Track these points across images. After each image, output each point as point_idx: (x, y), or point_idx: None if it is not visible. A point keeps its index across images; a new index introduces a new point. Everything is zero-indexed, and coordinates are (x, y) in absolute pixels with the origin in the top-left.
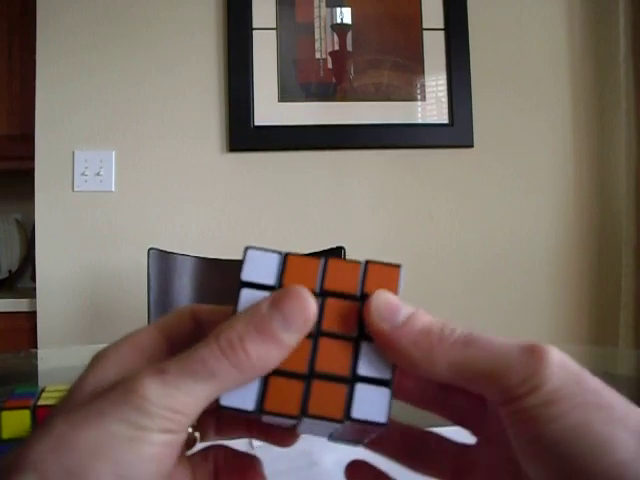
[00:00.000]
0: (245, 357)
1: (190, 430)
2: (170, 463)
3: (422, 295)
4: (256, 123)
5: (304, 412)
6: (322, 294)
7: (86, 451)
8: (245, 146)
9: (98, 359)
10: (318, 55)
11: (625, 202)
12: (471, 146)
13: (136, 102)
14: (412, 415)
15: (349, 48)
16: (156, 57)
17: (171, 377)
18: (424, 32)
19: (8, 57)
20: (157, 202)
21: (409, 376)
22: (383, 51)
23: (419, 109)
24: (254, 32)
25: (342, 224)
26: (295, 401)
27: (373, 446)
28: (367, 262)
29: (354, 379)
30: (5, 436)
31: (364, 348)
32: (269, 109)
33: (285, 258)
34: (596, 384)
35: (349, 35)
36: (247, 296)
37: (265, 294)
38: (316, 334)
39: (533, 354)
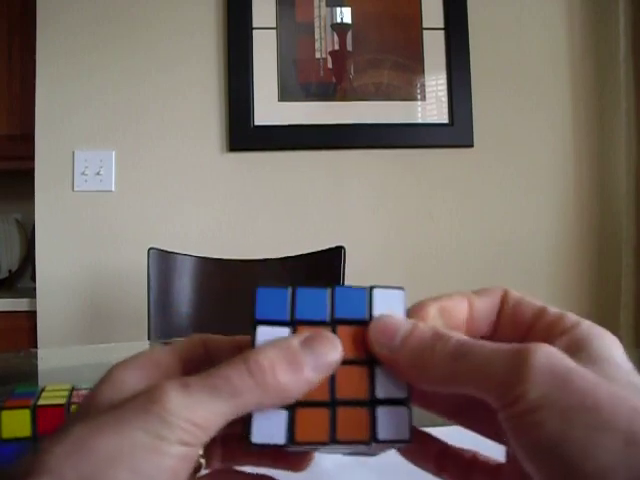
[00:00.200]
0: (273, 380)
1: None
2: (186, 473)
3: (422, 295)
4: (256, 123)
5: (333, 438)
6: (332, 322)
7: (104, 457)
8: (245, 146)
9: (115, 370)
10: (318, 55)
11: (625, 202)
12: (471, 146)
13: (136, 102)
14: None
15: (349, 48)
16: (156, 57)
17: (194, 391)
18: (424, 32)
19: (8, 57)
20: (157, 202)
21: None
22: (383, 51)
23: (419, 109)
24: (254, 32)
25: (342, 224)
26: (324, 429)
27: (411, 459)
28: (371, 288)
29: (374, 402)
30: (5, 436)
31: (378, 371)
32: (269, 109)
33: (294, 292)
34: (587, 383)
35: (349, 35)
36: (264, 332)
37: (282, 329)
38: None
39: (517, 361)
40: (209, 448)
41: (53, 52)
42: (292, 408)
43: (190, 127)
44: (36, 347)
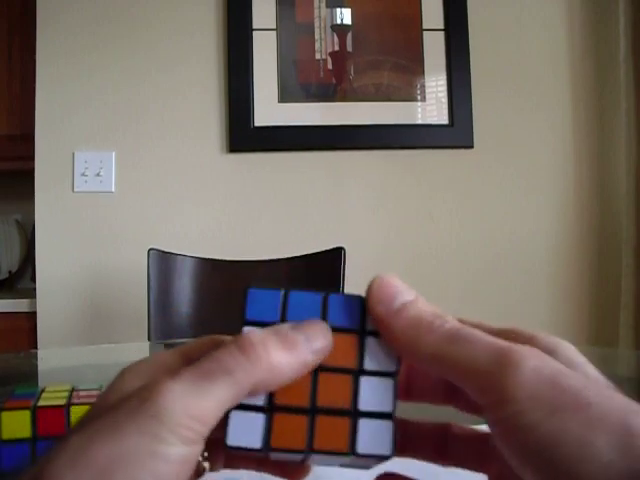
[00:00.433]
0: (265, 355)
1: (200, 459)
2: (187, 474)
3: (422, 295)
4: (256, 124)
5: (310, 447)
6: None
7: (103, 466)
8: (245, 147)
9: (121, 374)
10: (318, 56)
11: (625, 202)
12: (471, 146)
13: (136, 102)
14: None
15: (349, 48)
16: (156, 57)
17: (185, 380)
18: (424, 32)
19: (8, 57)
20: (157, 202)
21: (418, 375)
22: (383, 52)
23: (419, 109)
24: (254, 32)
25: (342, 224)
26: (301, 436)
27: (401, 452)
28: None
29: (356, 413)
30: (5, 437)
31: (363, 382)
32: (269, 110)
33: (286, 295)
34: (577, 382)
35: (349, 35)
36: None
37: None
38: (316, 370)
39: (504, 363)
40: (212, 452)
41: (53, 52)
42: (270, 413)
43: (190, 128)
44: (36, 348)
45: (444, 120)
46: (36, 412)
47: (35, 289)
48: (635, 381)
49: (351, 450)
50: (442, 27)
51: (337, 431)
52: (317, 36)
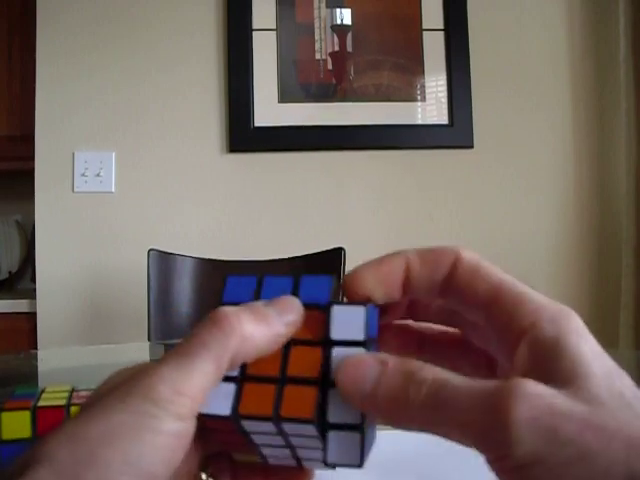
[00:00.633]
0: (239, 326)
1: (204, 477)
2: (180, 453)
3: None
4: (256, 124)
5: (277, 414)
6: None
7: (96, 440)
8: (245, 147)
9: (114, 372)
10: (318, 56)
11: (625, 202)
12: (471, 147)
13: (136, 102)
14: None
15: (349, 49)
16: (156, 57)
17: (169, 360)
18: (424, 33)
19: (8, 57)
20: (157, 202)
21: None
22: (383, 52)
23: (419, 110)
24: (254, 33)
25: (342, 225)
26: (269, 403)
27: (390, 350)
28: (332, 276)
29: (325, 382)
30: (5, 437)
31: (331, 392)
32: (269, 110)
33: (260, 280)
34: (574, 427)
35: (349, 36)
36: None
37: None
38: (287, 345)
39: (498, 414)
40: (218, 467)
41: (53, 52)
42: (241, 382)
43: (190, 128)
44: (36, 348)
45: (444, 120)
46: (36, 412)
47: (35, 289)
48: (635, 381)
49: (318, 418)
50: (442, 27)
51: (305, 399)
52: (317, 36)
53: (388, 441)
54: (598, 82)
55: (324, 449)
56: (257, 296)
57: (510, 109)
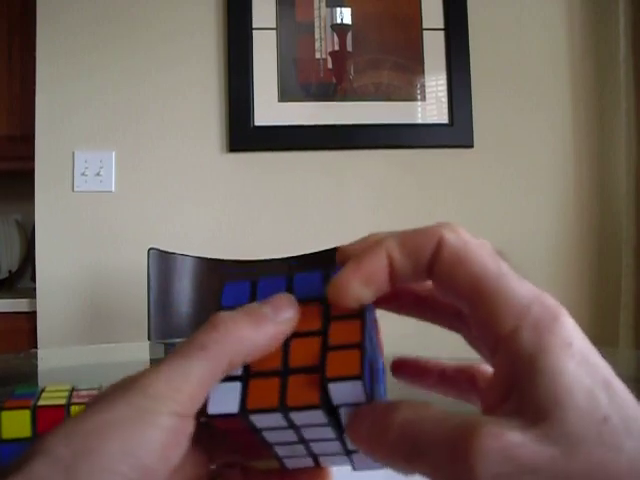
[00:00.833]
0: (235, 330)
1: None
2: (177, 450)
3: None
4: (256, 123)
5: (283, 404)
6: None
7: (92, 433)
8: (245, 146)
9: (123, 378)
10: (318, 55)
11: (625, 202)
12: (471, 146)
13: (136, 102)
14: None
15: (349, 48)
16: (156, 57)
17: (169, 361)
18: (424, 32)
19: (8, 57)
20: (157, 202)
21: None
22: (383, 51)
23: (419, 109)
24: (254, 32)
25: (342, 224)
26: (274, 395)
27: (387, 306)
28: (326, 271)
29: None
30: (5, 436)
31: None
32: (269, 109)
33: (255, 282)
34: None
35: (349, 35)
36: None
37: None
38: (287, 340)
39: (459, 456)
40: (229, 477)
41: (53, 52)
42: (246, 380)
43: (190, 127)
44: (36, 348)
45: (444, 120)
46: (36, 412)
47: (35, 289)
48: (635, 381)
49: (323, 402)
50: (442, 26)
51: (309, 387)
52: (317, 35)
53: None
54: (598, 82)
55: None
56: (253, 298)
57: (510, 109)
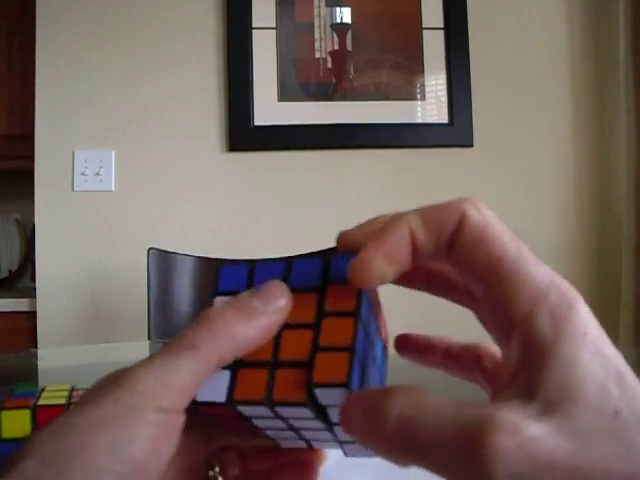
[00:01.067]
0: (224, 326)
1: (211, 473)
2: (168, 444)
3: (422, 296)
4: (256, 123)
5: (269, 398)
6: None
7: (81, 429)
8: (245, 146)
9: (110, 373)
10: (318, 54)
11: (625, 202)
12: (471, 146)
13: (136, 102)
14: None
15: (349, 47)
16: (156, 57)
17: (157, 358)
18: (424, 31)
19: (8, 57)
20: (157, 202)
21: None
22: (383, 51)
23: (419, 109)
24: (254, 31)
25: (342, 224)
26: (261, 388)
27: (403, 282)
28: (324, 258)
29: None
30: (5, 436)
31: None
32: (269, 109)
33: (253, 266)
34: (560, 476)
35: (349, 34)
36: (221, 301)
37: None
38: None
39: (471, 457)
40: (226, 461)
41: (53, 52)
42: (235, 370)
43: (190, 127)
44: (36, 347)
45: (444, 119)
46: (36, 411)
47: (35, 288)
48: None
49: (309, 400)
50: (442, 26)
51: (296, 383)
52: (317, 35)
53: None
54: (598, 82)
55: (330, 429)
56: (250, 283)
57: (510, 109)
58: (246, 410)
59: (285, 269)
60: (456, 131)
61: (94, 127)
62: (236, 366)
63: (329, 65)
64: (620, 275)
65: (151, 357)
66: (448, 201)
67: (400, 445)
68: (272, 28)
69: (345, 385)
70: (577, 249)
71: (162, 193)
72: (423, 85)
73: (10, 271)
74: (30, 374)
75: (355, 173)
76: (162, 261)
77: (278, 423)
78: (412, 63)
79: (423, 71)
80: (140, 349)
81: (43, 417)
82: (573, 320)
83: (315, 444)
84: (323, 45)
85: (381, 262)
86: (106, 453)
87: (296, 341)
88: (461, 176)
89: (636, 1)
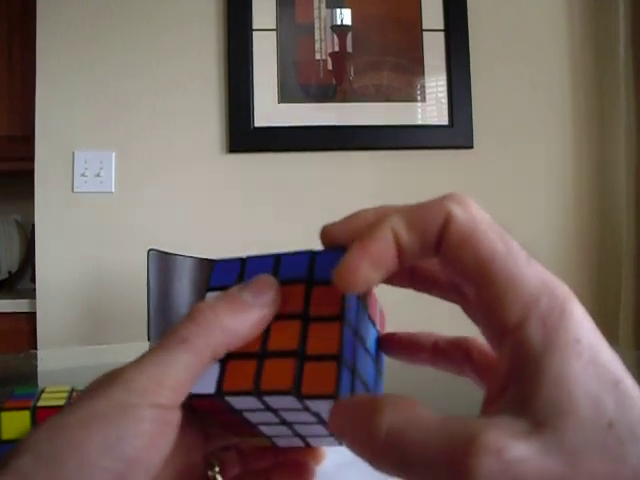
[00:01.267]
0: (215, 320)
1: (210, 473)
2: (164, 440)
3: (422, 297)
4: (256, 124)
5: (257, 388)
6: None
7: (75, 427)
8: (245, 147)
9: (105, 373)
10: (318, 56)
11: (625, 203)
12: (471, 147)
13: (136, 104)
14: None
15: (349, 49)
16: (156, 57)
17: (148, 355)
18: (424, 33)
19: (8, 57)
20: (157, 204)
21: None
22: (383, 52)
23: (419, 110)
24: (254, 33)
25: None
26: (250, 378)
27: (388, 282)
28: (313, 252)
29: (302, 354)
30: (5, 437)
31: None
32: (269, 110)
33: (244, 261)
34: None
35: (349, 36)
36: (212, 295)
37: None
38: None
39: (456, 477)
40: (225, 461)
41: (53, 47)
42: (225, 362)
43: (190, 128)
44: (36, 348)
45: (444, 121)
46: (36, 412)
47: (35, 289)
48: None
49: (296, 390)
50: (442, 28)
51: (283, 372)
52: (317, 37)
53: None
54: (599, 84)
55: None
56: (241, 278)
57: (510, 110)
58: (236, 402)
59: (274, 263)
60: (456, 133)
61: (94, 128)
62: (226, 358)
63: (329, 67)
64: (620, 275)
65: (144, 354)
66: (432, 199)
67: (389, 459)
68: (272, 30)
69: (333, 397)
70: (577, 249)
71: (162, 195)
72: (423, 87)
73: (10, 272)
74: (30, 375)
75: (355, 175)
76: (162, 262)
77: (270, 416)
78: (412, 65)
79: (423, 73)
80: (140, 350)
81: (43, 418)
82: (565, 327)
83: (312, 441)
84: (323, 47)
85: (366, 268)
86: (101, 450)
87: (284, 331)
88: (461, 178)
89: None
